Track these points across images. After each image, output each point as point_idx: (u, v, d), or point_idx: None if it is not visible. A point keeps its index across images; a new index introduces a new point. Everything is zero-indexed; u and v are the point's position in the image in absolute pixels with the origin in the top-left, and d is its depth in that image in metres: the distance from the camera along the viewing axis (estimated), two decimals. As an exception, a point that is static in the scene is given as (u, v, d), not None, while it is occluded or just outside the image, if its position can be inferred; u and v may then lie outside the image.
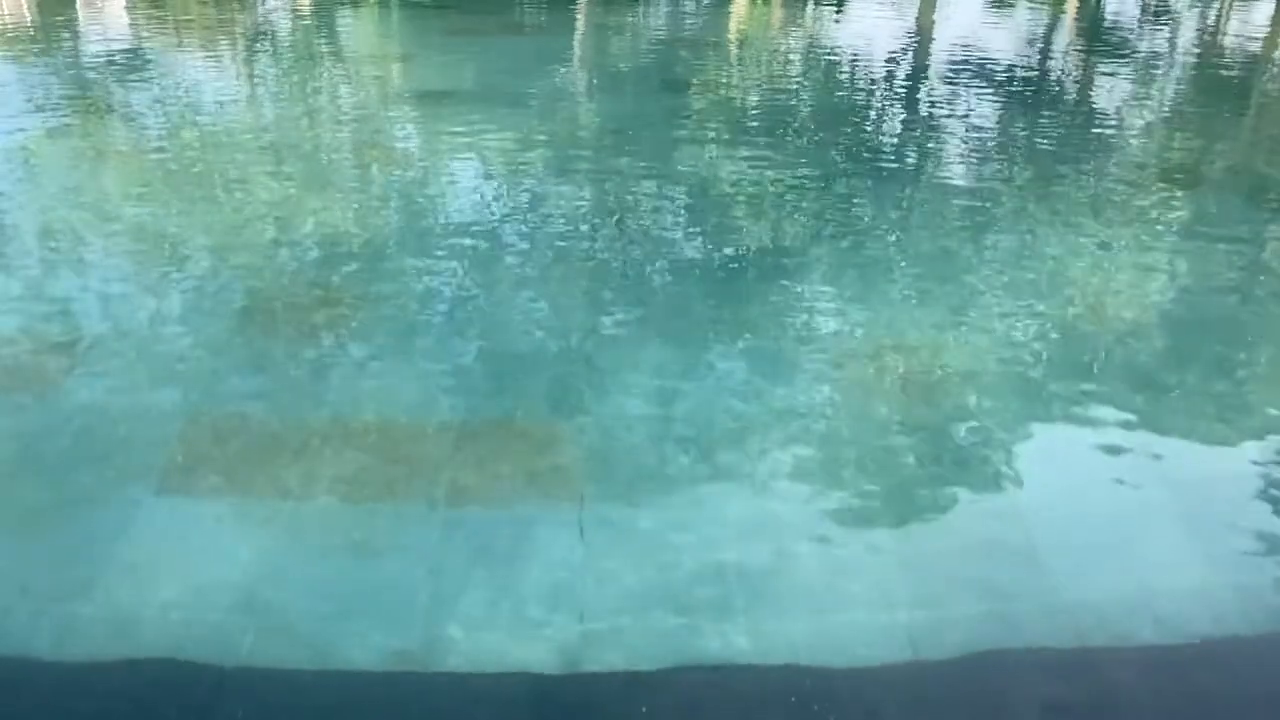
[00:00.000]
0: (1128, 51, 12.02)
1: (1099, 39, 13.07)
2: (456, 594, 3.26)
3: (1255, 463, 4.07)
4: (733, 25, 13.18)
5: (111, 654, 3.03)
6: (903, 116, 9.13)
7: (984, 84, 10.02)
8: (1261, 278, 5.74)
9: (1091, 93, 10.19)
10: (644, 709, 2.89)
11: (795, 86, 10.11)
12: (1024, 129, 8.68)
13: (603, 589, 3.30)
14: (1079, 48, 12.52)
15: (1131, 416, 4.33)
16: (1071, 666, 3.09)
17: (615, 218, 6.35)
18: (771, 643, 3.13)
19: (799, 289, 5.34)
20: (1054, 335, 4.97)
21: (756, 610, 3.24)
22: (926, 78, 10.63)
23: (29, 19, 12.02)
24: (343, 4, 13.51)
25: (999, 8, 14.83)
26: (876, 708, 2.95)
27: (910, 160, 7.80)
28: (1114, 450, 4.12)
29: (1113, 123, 9.01)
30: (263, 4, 13.44)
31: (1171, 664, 3.14)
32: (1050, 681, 3.05)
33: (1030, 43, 12.56)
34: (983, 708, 2.99)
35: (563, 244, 5.90)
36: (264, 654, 3.03)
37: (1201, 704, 3.02)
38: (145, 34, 11.54)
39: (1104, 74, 10.99)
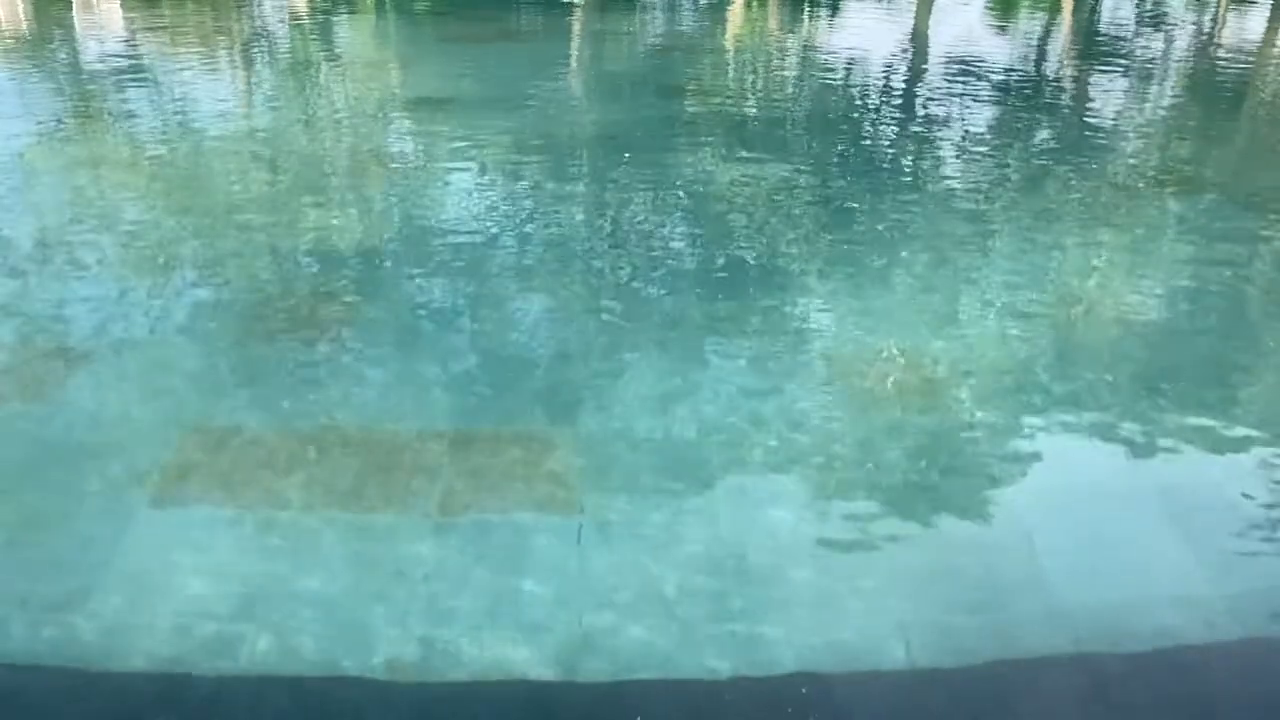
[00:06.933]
0: (1122, 56, 12.05)
1: (1094, 42, 13.10)
2: (453, 601, 3.25)
3: (1254, 467, 4.07)
4: (729, 31, 13.20)
5: (109, 663, 3.01)
6: (898, 120, 9.13)
7: (979, 88, 10.03)
8: (1259, 282, 5.74)
9: (1085, 96, 10.20)
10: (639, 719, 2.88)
11: (791, 92, 10.12)
12: (1018, 133, 8.69)
13: (600, 596, 3.29)
14: (1074, 51, 12.55)
15: (1129, 421, 4.33)
16: (1070, 672, 3.08)
17: (612, 224, 6.35)
18: (769, 651, 3.12)
19: (796, 294, 5.34)
20: (1051, 341, 4.97)
21: (754, 618, 3.23)
22: (922, 82, 10.64)
23: (24, 23, 12.02)
24: (339, 10, 13.52)
25: (995, 12, 14.87)
26: (874, 717, 2.94)
27: (906, 164, 7.80)
28: (1112, 456, 4.13)
29: (1106, 126, 9.02)
30: (258, 10, 13.44)
31: (1170, 667, 3.13)
32: (1049, 687, 3.04)
33: (1025, 48, 12.59)
34: (981, 714, 2.98)
35: (560, 250, 5.89)
36: (259, 663, 3.01)
37: (1201, 707, 3.02)
38: (140, 40, 11.53)
39: (1098, 78, 11.02)
